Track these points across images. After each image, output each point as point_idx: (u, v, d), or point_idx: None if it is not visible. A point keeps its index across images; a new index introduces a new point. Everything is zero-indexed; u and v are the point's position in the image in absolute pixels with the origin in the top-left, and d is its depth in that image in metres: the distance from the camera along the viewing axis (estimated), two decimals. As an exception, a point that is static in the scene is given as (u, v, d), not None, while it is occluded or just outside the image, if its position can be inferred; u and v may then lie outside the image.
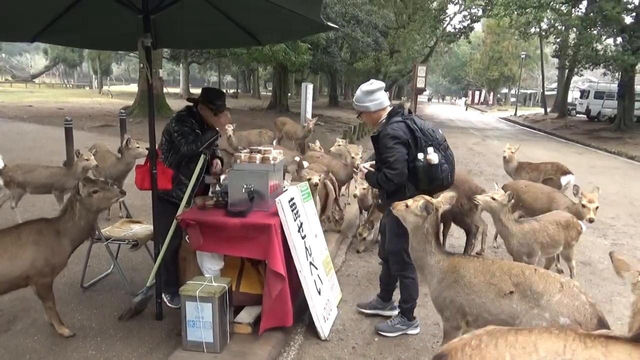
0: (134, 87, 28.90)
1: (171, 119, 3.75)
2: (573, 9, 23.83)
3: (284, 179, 4.15)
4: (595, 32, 21.88)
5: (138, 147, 5.94)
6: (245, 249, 3.43)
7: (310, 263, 3.69)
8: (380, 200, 4.31)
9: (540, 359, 1.60)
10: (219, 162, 4.04)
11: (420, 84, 19.92)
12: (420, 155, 3.34)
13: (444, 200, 3.06)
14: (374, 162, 3.70)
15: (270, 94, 32.53)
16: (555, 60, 37.10)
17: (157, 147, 3.61)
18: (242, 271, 3.82)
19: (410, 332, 3.73)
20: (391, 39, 30.76)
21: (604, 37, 22.49)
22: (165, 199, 3.66)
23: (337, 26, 4.43)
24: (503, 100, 67.68)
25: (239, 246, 3.41)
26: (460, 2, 32.72)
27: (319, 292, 3.70)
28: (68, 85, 61.33)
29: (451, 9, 34.96)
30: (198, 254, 3.57)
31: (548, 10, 23.20)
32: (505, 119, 36.95)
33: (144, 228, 4.38)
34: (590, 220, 4.48)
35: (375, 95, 3.51)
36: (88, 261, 4.25)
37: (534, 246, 4.11)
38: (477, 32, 49.77)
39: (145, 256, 4.73)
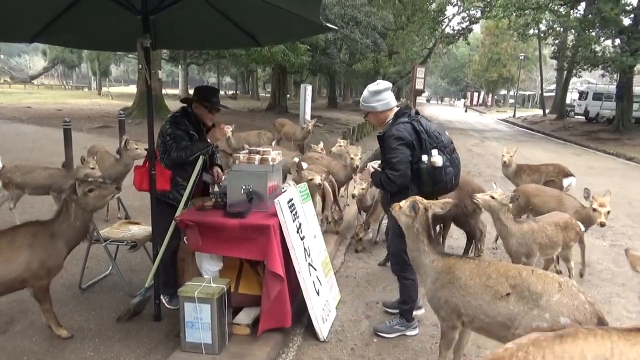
0: (133, 89, 28.92)
1: (165, 120, 3.74)
2: (571, 11, 23.88)
3: (285, 180, 4.15)
4: (593, 33, 21.93)
5: (137, 149, 5.94)
6: (244, 250, 3.42)
7: (309, 264, 3.69)
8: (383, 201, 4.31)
9: None
10: (219, 170, 4.02)
11: (419, 85, 19.93)
12: (425, 158, 3.33)
13: (437, 203, 3.08)
14: (380, 161, 3.71)
15: (269, 95, 32.55)
16: (554, 62, 37.14)
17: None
18: (241, 272, 3.82)
19: (408, 333, 3.73)
20: (390, 40, 30.79)
21: (602, 39, 22.54)
22: (162, 201, 3.65)
23: (336, 27, 4.44)
24: (502, 101, 67.78)
25: (238, 247, 3.40)
26: (459, 3, 32.76)
27: (318, 293, 3.69)
28: (67, 87, 61.26)
29: (450, 10, 35.17)
30: (197, 255, 3.57)
31: (546, 12, 23.24)
32: (504, 120, 36.99)
33: (142, 229, 4.38)
34: (602, 225, 4.40)
35: (382, 95, 3.51)
36: (86, 262, 4.24)
37: (533, 247, 4.11)
38: (475, 34, 49.88)
39: (143, 257, 4.72)
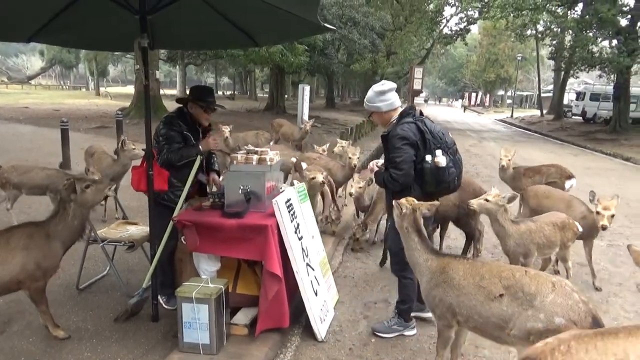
0: (132, 89, 28.85)
1: (160, 121, 3.73)
2: (569, 11, 23.96)
3: (286, 180, 4.14)
4: (590, 34, 22.00)
5: (134, 149, 5.92)
6: (241, 250, 3.42)
7: (307, 264, 3.69)
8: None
9: None
10: (215, 177, 3.99)
11: (417, 85, 19.96)
12: (428, 158, 3.35)
13: (425, 204, 3.12)
14: (382, 160, 3.75)
15: (267, 95, 32.53)
16: (551, 62, 37.23)
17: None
18: (239, 272, 3.81)
19: (406, 333, 3.73)
20: (388, 40, 30.82)
21: (599, 40, 22.61)
22: (158, 202, 3.64)
23: (334, 28, 4.43)
24: (499, 102, 67.85)
25: (236, 247, 3.40)
26: (457, 4, 32.80)
27: (316, 294, 3.69)
28: (64, 87, 61.13)
29: (448, 11, 35.10)
30: (194, 255, 3.56)
31: (544, 13, 23.31)
32: (502, 120, 37.06)
33: (140, 229, 4.37)
34: (603, 228, 4.31)
35: (386, 95, 3.53)
36: (84, 263, 4.22)
37: (530, 247, 4.12)
38: (473, 34, 49.98)
39: (141, 258, 4.71)
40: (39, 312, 3.32)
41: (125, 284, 4.17)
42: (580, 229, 4.47)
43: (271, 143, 10.14)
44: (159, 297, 3.72)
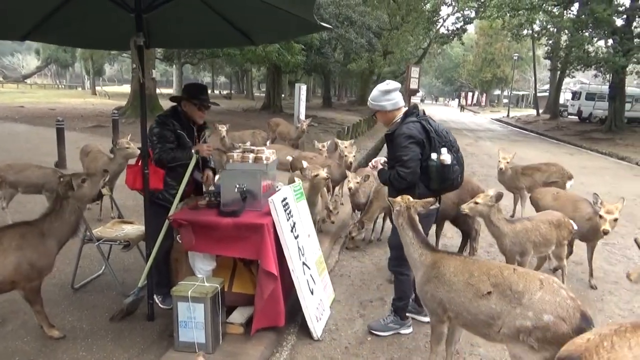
0: (128, 88, 28.76)
1: (154, 120, 3.72)
2: (565, 11, 24.01)
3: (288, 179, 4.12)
4: (586, 34, 22.08)
5: (127, 148, 5.89)
6: (237, 249, 3.41)
7: (303, 263, 3.69)
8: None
9: None
10: (210, 174, 3.98)
11: (413, 85, 19.95)
12: (434, 155, 3.41)
13: (420, 202, 3.16)
14: (385, 159, 3.79)
15: (264, 95, 32.49)
16: (547, 62, 37.31)
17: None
18: (235, 271, 3.81)
19: (402, 331, 3.74)
20: (385, 40, 30.84)
21: (595, 39, 22.70)
22: (153, 201, 3.63)
23: (330, 26, 4.44)
24: (496, 101, 68.06)
25: (232, 246, 3.40)
26: (453, 4, 32.87)
27: (312, 292, 3.69)
28: (60, 86, 60.91)
29: (444, 10, 35.23)
30: (190, 255, 3.56)
31: (540, 13, 23.40)
32: (498, 120, 37.15)
33: (135, 228, 4.35)
34: (605, 232, 4.23)
35: (391, 95, 3.57)
36: (79, 262, 4.21)
37: (527, 245, 4.13)
38: (470, 34, 50.06)
39: (137, 257, 4.70)
40: (33, 311, 3.30)
41: (121, 283, 4.16)
42: (576, 228, 4.48)
43: (268, 142, 10.14)
44: (154, 296, 3.71)
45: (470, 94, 68.18)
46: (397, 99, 3.58)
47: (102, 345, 3.30)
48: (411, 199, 3.17)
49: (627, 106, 24.73)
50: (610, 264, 5.52)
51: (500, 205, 4.11)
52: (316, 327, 3.61)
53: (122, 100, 24.22)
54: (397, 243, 3.54)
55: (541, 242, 4.21)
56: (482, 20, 36.13)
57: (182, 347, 3.18)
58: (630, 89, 26.91)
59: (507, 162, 6.76)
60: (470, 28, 42.27)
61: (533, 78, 41.56)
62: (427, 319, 3.74)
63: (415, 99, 20.74)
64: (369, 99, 3.71)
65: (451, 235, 6.18)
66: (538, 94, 40.55)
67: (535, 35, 28.66)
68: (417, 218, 3.12)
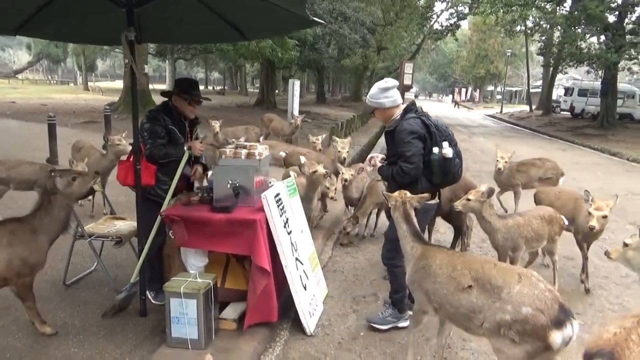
0: (121, 84, 28.55)
1: (145, 115, 3.70)
2: (558, 8, 24.11)
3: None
4: (579, 30, 22.20)
5: (118, 145, 5.86)
6: (230, 245, 3.41)
7: (296, 259, 3.69)
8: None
9: None
10: (200, 169, 3.95)
11: (407, 80, 20.01)
12: (436, 149, 3.45)
13: (415, 197, 3.24)
14: (382, 155, 3.83)
15: (258, 90, 32.40)
16: (540, 58, 37.47)
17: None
18: (228, 267, 3.81)
19: (400, 324, 3.75)
20: (378, 36, 30.81)
21: (587, 36, 22.84)
22: (145, 197, 3.61)
23: (323, 22, 4.43)
24: (489, 97, 68.28)
25: (224, 242, 3.39)
26: (447, -1, 32.87)
27: (305, 288, 3.70)
28: (52, 82, 60.38)
29: (438, 6, 35.28)
30: (182, 250, 3.55)
31: (533, 9, 23.45)
32: (491, 116, 37.27)
33: (128, 224, 4.34)
34: (590, 228, 4.21)
35: (390, 92, 3.59)
36: (71, 258, 4.19)
37: (519, 241, 4.15)
38: (463, 30, 50.06)
39: (129, 253, 4.68)
40: (25, 308, 3.29)
41: (113, 279, 4.14)
42: (566, 223, 4.51)
43: (261, 138, 10.12)
44: (147, 292, 3.69)
45: (463, 90, 68.32)
46: (396, 96, 3.61)
47: (94, 342, 3.29)
48: (408, 193, 3.23)
49: (619, 102, 24.92)
50: (600, 259, 5.55)
51: (492, 200, 4.12)
52: (309, 323, 3.62)
53: (115, 96, 24.05)
54: (393, 236, 3.57)
55: (533, 237, 4.23)
56: (475, 16, 36.13)
57: (175, 343, 3.17)
58: (622, 85, 27.12)
59: (505, 162, 6.71)
60: (464, 24, 42.28)
61: (526, 74, 41.72)
62: (403, 324, 3.77)
63: (409, 95, 20.73)
64: (368, 96, 3.73)
65: (444, 231, 6.20)
66: (531, 90, 40.73)
67: (528, 31, 28.83)
68: (412, 213, 3.19)
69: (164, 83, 43.48)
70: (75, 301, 3.89)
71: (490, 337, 2.57)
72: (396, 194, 3.27)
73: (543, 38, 28.28)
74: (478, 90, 67.24)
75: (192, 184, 3.99)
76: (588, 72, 26.41)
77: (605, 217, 4.15)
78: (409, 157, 3.40)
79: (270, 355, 3.35)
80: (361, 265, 5.16)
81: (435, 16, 35.87)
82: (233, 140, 4.11)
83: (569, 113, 30.67)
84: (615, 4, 21.39)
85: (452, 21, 33.33)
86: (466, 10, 31.88)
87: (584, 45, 22.57)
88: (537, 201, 5.41)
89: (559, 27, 24.07)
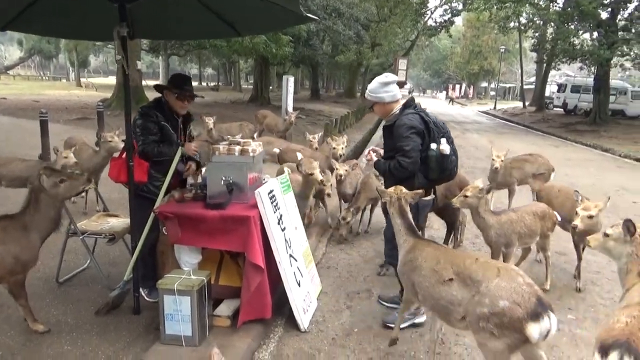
0: (114, 80, 28.34)
1: (137, 111, 3.67)
2: (551, 4, 24.17)
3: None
4: (572, 26, 22.29)
5: (110, 141, 5.83)
6: (224, 242, 3.40)
7: (290, 255, 3.69)
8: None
9: None
10: (193, 165, 3.92)
11: (401, 77, 19.96)
12: (433, 146, 3.48)
13: (409, 193, 3.27)
14: (378, 149, 3.86)
15: (252, 87, 32.28)
16: (534, 55, 37.57)
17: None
18: (222, 264, 3.80)
19: (417, 320, 3.75)
20: (373, 32, 30.77)
21: (580, 32, 22.92)
22: (137, 194, 3.59)
23: (316, 17, 4.41)
24: (483, 94, 68.40)
25: (218, 239, 3.39)
26: (441, -5, 32.87)
27: (299, 284, 3.70)
28: (44, 78, 59.87)
29: (432, 2, 35.30)
30: (176, 247, 3.54)
31: (527, 5, 23.51)
32: (485, 112, 37.37)
33: (121, 222, 4.32)
34: (573, 227, 4.11)
35: (389, 87, 3.62)
36: (63, 256, 4.17)
37: (512, 237, 4.18)
38: (457, 26, 50.21)
39: (122, 250, 4.66)
40: (18, 305, 3.27)
41: (107, 276, 4.13)
42: (559, 219, 4.53)
43: (255, 134, 10.09)
44: (140, 289, 3.68)
45: (457, 86, 68.42)
46: (395, 91, 3.63)
47: (87, 339, 3.28)
48: (404, 189, 3.27)
49: (612, 98, 25.05)
50: (592, 254, 5.57)
51: (486, 197, 4.14)
52: (303, 319, 3.62)
53: (109, 92, 23.92)
54: (391, 235, 3.59)
55: (526, 233, 4.26)
56: (469, 13, 36.21)
57: (169, 340, 3.17)
58: (614, 82, 27.25)
59: (502, 161, 6.65)
60: (458, 20, 42.43)
61: (519, 70, 41.85)
62: (420, 320, 3.78)
63: (402, 92, 20.68)
64: (367, 90, 3.74)
65: (437, 227, 6.22)
66: (524, 87, 40.86)
67: (522, 27, 28.88)
68: (407, 208, 3.23)
69: (158, 79, 43.19)
70: (68, 299, 3.87)
71: (473, 331, 2.62)
72: (391, 189, 3.29)
73: (536, 34, 28.34)
74: (472, 87, 67.36)
75: (185, 181, 3.97)
76: (581, 68, 26.56)
77: (591, 217, 4.01)
78: (407, 152, 3.43)
79: (264, 352, 3.35)
80: (355, 262, 5.17)
81: (429, 12, 35.93)
82: (228, 137, 4.08)
83: (562, 109, 30.80)
84: (608, 0, 21.48)
85: (446, 17, 33.46)
86: (460, 7, 32.01)
87: (577, 41, 22.68)
88: (539, 198, 5.40)
89: (552, 24, 24.15)
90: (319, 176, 4.83)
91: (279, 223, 3.62)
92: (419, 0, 32.82)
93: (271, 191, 3.64)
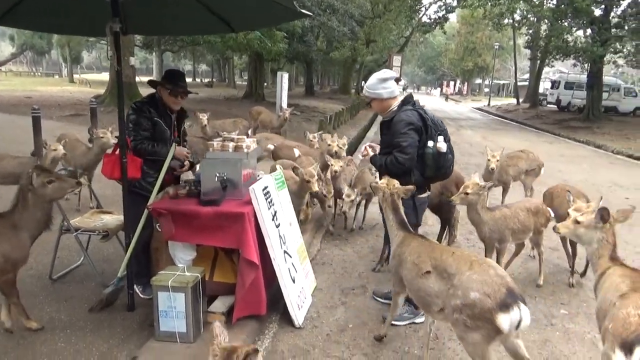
0: (108, 76, 28.17)
1: (130, 107, 3.65)
2: (545, 1, 24.25)
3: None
4: (565, 23, 22.38)
5: (102, 137, 5.79)
6: (218, 238, 3.40)
7: (285, 251, 3.69)
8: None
9: None
10: (187, 164, 3.88)
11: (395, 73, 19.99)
12: (431, 143, 3.50)
13: (401, 189, 3.31)
14: (374, 145, 3.87)
15: (246, 83, 32.19)
16: (528, 51, 37.77)
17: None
18: (216, 260, 3.79)
19: (417, 320, 3.74)
20: (367, 28, 30.75)
21: (574, 29, 23.03)
22: (131, 190, 3.57)
23: (310, 14, 4.41)
24: (477, 90, 68.59)
25: (212, 235, 3.38)
26: (436, -8, 32.88)
27: (293, 281, 3.70)
28: (36, 74, 59.38)
29: (426, -1, 35.16)
30: (170, 244, 3.53)
31: (521, 2, 23.54)
32: (479, 109, 37.46)
33: (114, 218, 4.30)
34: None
35: (388, 83, 3.62)
36: (57, 253, 4.15)
37: (505, 232, 4.20)
38: (452, 23, 50.13)
39: (116, 247, 4.64)
40: (10, 304, 3.24)
41: (100, 273, 4.11)
42: (552, 215, 4.55)
43: (250, 131, 10.07)
44: (134, 286, 3.68)
45: (452, 82, 68.54)
46: (393, 87, 3.64)
47: (81, 336, 3.27)
48: (396, 184, 3.29)
49: (605, 95, 25.19)
50: (585, 249, 5.63)
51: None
52: (298, 315, 3.63)
53: (102, 88, 23.78)
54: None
55: (519, 229, 4.28)
56: (463, 9, 36.24)
57: (163, 337, 3.16)
58: (607, 79, 27.40)
59: (497, 161, 6.58)
60: (452, 17, 42.36)
61: (513, 67, 41.97)
62: (420, 320, 3.77)
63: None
64: (365, 87, 3.75)
65: (432, 223, 6.24)
66: (518, 83, 41.00)
67: (516, 24, 28.92)
68: (400, 203, 3.27)
69: (152, 75, 42.98)
70: (61, 296, 3.86)
71: (451, 323, 2.67)
72: (384, 184, 3.31)
73: (530, 31, 28.47)
74: (466, 84, 67.50)
75: (178, 177, 3.95)
76: (574, 65, 26.70)
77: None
78: (404, 148, 3.44)
79: (259, 348, 3.35)
80: (349, 258, 5.18)
81: (423, 9, 35.96)
82: (224, 133, 4.06)
83: (556, 106, 30.94)
84: (601, -3, 21.60)
85: (440, 14, 33.50)
86: (454, 3, 32.03)
87: (570, 38, 22.78)
88: (545, 200, 5.38)
89: (546, 21, 24.21)
90: (315, 187, 4.78)
91: (273, 219, 3.62)
92: (413, -3, 32.85)
93: (265, 187, 3.63)
